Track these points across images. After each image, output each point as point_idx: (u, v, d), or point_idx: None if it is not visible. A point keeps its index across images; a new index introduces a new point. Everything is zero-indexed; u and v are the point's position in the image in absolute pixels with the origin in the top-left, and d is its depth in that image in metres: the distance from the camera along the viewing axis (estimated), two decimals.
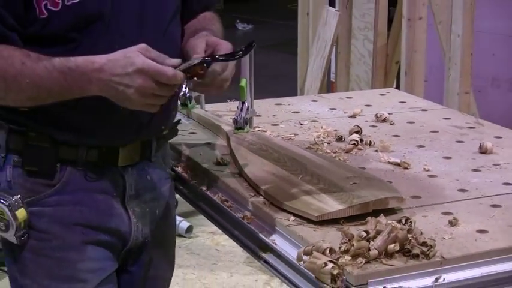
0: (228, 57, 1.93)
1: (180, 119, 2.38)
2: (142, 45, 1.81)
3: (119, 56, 1.82)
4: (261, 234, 1.86)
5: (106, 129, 2.01)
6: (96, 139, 2.03)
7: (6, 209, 1.99)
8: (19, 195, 2.01)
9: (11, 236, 2.02)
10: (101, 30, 1.94)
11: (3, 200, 2.00)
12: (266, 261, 1.84)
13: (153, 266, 2.28)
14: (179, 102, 2.36)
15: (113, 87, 1.81)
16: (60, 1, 1.90)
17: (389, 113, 2.60)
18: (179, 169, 2.27)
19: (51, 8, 1.90)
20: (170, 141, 2.31)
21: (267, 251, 1.84)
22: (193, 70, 1.87)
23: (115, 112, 1.96)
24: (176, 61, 1.82)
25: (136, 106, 1.83)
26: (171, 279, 2.40)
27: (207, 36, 2.03)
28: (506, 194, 2.00)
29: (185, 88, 2.37)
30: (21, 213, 2.00)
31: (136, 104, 1.82)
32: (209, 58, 1.90)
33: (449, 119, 2.62)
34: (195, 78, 1.87)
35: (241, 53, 1.94)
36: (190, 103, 2.52)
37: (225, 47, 1.96)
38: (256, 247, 1.88)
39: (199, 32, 2.12)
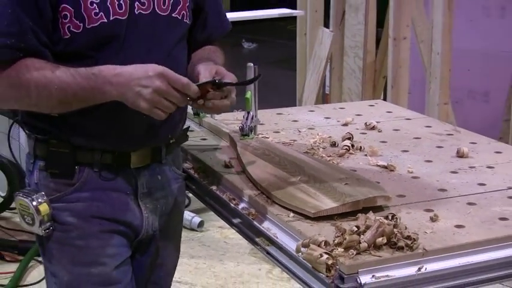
0: (238, 83, 1.97)
1: (189, 126, 2.38)
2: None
3: (140, 65, 1.86)
4: (264, 229, 1.87)
5: (117, 137, 2.03)
6: (108, 145, 2.05)
7: (30, 204, 2.02)
8: (42, 192, 2.04)
9: (37, 229, 2.05)
10: (115, 49, 1.97)
11: (28, 196, 2.03)
12: (268, 253, 1.84)
13: (160, 255, 2.29)
14: (192, 112, 2.36)
15: (130, 88, 1.83)
16: (81, 24, 1.92)
17: (377, 122, 2.60)
18: (192, 171, 2.28)
19: (74, 30, 1.93)
20: (185, 146, 2.32)
21: (270, 243, 1.84)
22: (203, 88, 1.88)
23: (125, 122, 2.01)
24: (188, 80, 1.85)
25: (148, 108, 1.83)
26: (176, 266, 2.41)
27: (217, 66, 2.04)
28: (481, 193, 2.00)
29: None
30: (43, 207, 2.02)
31: (148, 105, 1.82)
32: (220, 80, 1.92)
33: (430, 127, 2.62)
34: (199, 101, 1.89)
35: (248, 81, 1.97)
36: (201, 113, 2.53)
37: (232, 77, 1.97)
38: (259, 240, 1.89)
39: (204, 60, 2.14)
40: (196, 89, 1.86)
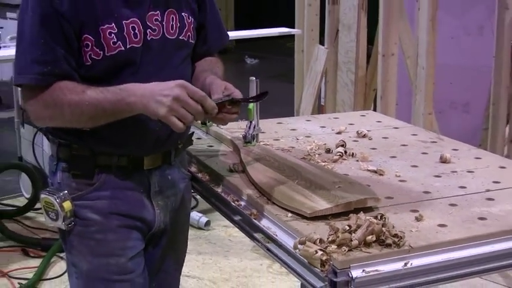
0: (250, 100, 2.04)
1: (194, 132, 2.40)
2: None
3: (162, 82, 1.89)
4: (264, 228, 1.87)
5: (132, 144, 2.06)
6: (124, 150, 2.08)
7: (54, 201, 2.05)
8: (66, 191, 2.07)
9: (60, 223, 2.07)
10: (131, 72, 2.01)
11: (53, 194, 2.06)
12: (269, 249, 1.84)
13: (170, 247, 2.30)
14: (200, 122, 2.37)
15: (152, 98, 1.85)
16: (101, 52, 1.97)
17: (368, 130, 2.60)
18: (199, 175, 2.28)
19: (94, 57, 1.97)
20: (193, 152, 2.34)
21: (269, 241, 1.84)
22: (220, 105, 1.93)
23: (140, 132, 2.05)
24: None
25: (166, 114, 1.84)
26: (184, 257, 2.42)
27: (225, 83, 2.07)
28: (462, 195, 2.01)
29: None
30: (66, 204, 2.05)
31: (167, 112, 1.83)
32: (234, 98, 1.98)
33: (416, 135, 2.63)
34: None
35: (261, 97, 2.02)
36: (208, 122, 2.53)
37: (238, 93, 2.01)
38: (260, 238, 1.88)
39: (207, 71, 2.20)
40: (212, 103, 1.89)
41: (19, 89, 3.61)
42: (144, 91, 1.88)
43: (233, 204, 2.04)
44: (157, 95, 1.85)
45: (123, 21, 2.00)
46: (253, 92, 2.19)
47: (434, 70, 4.15)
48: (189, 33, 2.15)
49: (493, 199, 1.98)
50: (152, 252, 2.26)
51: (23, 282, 3.97)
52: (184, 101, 1.83)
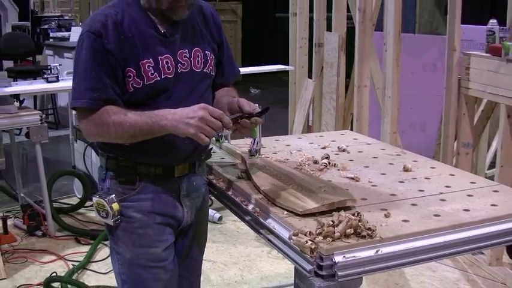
0: (255, 115, 2.02)
1: (213, 147, 2.41)
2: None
3: (187, 107, 1.90)
4: (265, 222, 1.86)
5: (166, 156, 2.05)
6: (160, 161, 2.07)
7: (105, 203, 2.05)
8: (114, 195, 2.06)
9: (109, 220, 2.07)
10: (165, 97, 2.02)
11: (104, 197, 2.06)
12: (269, 239, 1.83)
13: (194, 238, 2.30)
14: (214, 139, 2.37)
15: (182, 121, 1.86)
16: (141, 81, 1.98)
17: (346, 146, 2.60)
18: (214, 181, 2.28)
19: (136, 86, 1.98)
20: (209, 163, 2.33)
21: (269, 233, 1.83)
22: (235, 120, 1.98)
23: (172, 147, 2.04)
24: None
25: (195, 132, 1.85)
26: (205, 246, 2.41)
27: (240, 98, 2.10)
28: (420, 197, 1.99)
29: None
30: (115, 205, 2.06)
31: (195, 130, 1.85)
32: (244, 114, 2.02)
33: (384, 149, 2.62)
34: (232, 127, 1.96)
35: (264, 112, 2.05)
36: (221, 139, 2.53)
37: (252, 105, 2.05)
38: (262, 230, 1.88)
39: (225, 96, 2.21)
40: (228, 119, 1.90)
41: (74, 112, 3.60)
42: (174, 116, 1.89)
43: (241, 204, 2.04)
44: (185, 118, 1.86)
45: (159, 57, 2.00)
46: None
47: (398, 98, 4.16)
48: (210, 67, 2.15)
49: (445, 200, 1.97)
50: (181, 243, 2.25)
51: (76, 263, 3.97)
52: (208, 120, 1.85)
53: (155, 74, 1.99)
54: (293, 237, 1.67)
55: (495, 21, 3.90)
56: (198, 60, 2.10)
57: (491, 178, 3.84)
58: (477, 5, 5.94)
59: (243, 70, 5.44)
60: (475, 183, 2.16)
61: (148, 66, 1.98)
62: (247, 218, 2.00)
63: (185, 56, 2.06)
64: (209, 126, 1.86)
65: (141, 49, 1.98)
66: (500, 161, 3.86)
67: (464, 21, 4.02)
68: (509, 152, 3.84)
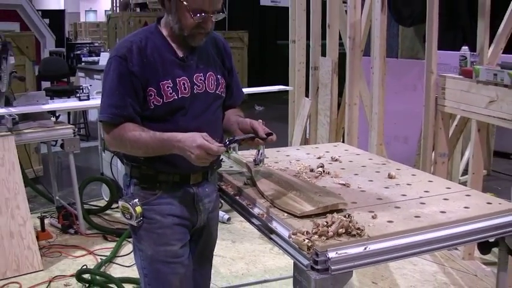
0: (261, 137, 2.02)
1: (223, 158, 2.40)
2: (204, 134, 1.87)
3: (191, 135, 1.87)
4: (268, 223, 1.86)
5: (183, 166, 2.03)
6: (178, 170, 2.06)
7: (130, 207, 2.05)
8: (137, 199, 2.06)
9: (133, 222, 2.07)
10: (182, 113, 2.02)
11: (129, 201, 2.06)
12: (271, 238, 1.84)
13: (206, 237, 2.29)
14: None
15: (185, 151, 1.86)
16: (161, 100, 1.99)
17: (339, 156, 2.60)
18: (224, 187, 2.28)
19: (156, 103, 1.98)
20: (220, 171, 2.33)
21: (272, 232, 1.84)
22: (244, 140, 2.01)
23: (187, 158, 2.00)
24: (219, 145, 1.86)
25: (195, 162, 1.86)
26: (215, 244, 2.39)
27: (251, 120, 2.08)
28: (403, 201, 2.00)
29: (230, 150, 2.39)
30: (138, 209, 2.05)
31: (195, 162, 1.86)
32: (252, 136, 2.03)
33: (372, 159, 2.62)
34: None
35: (270, 133, 2.04)
36: (230, 151, 2.53)
37: (267, 130, 2.03)
38: (265, 230, 1.88)
39: (234, 115, 2.20)
40: (223, 150, 1.87)
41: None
42: (179, 144, 1.88)
43: (247, 207, 2.04)
44: (187, 150, 1.86)
45: (177, 79, 2.01)
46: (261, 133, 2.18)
47: (383, 114, 4.15)
48: (222, 89, 2.16)
49: (424, 203, 1.97)
50: (195, 241, 2.24)
51: (103, 258, 3.96)
52: (203, 156, 1.84)
53: (173, 93, 1.99)
54: (292, 236, 1.67)
55: (466, 47, 3.91)
56: (212, 83, 2.10)
57: (464, 184, 3.83)
58: (451, 34, 5.93)
59: (249, 90, 5.45)
60: (450, 188, 2.16)
61: (168, 87, 1.99)
62: (253, 219, 2.00)
63: (200, 79, 2.07)
64: (205, 159, 1.86)
65: (161, 72, 1.99)
66: (472, 169, 3.86)
67: (440, 47, 4.02)
68: (480, 161, 3.84)
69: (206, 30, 2.01)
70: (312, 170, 2.34)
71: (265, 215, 1.92)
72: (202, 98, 2.07)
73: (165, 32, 2.05)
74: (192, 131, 1.90)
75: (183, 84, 2.02)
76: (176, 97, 2.00)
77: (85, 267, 3.74)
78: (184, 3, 1.93)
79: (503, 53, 4.02)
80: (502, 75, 3.37)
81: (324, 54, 4.81)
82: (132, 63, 1.94)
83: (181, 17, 1.96)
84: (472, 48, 3.95)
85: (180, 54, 2.04)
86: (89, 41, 14.52)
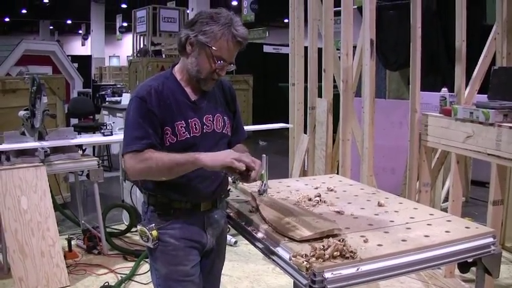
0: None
1: (230, 188, 2.40)
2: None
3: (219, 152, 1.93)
4: (271, 246, 1.86)
5: (194, 195, 2.05)
6: (189, 198, 2.07)
7: (147, 231, 2.05)
8: (153, 224, 2.06)
9: (150, 244, 2.07)
10: (193, 150, 2.01)
11: (146, 226, 2.06)
12: (273, 260, 1.83)
13: (215, 259, 2.28)
14: (231, 180, 2.37)
15: (218, 155, 1.88)
16: (175, 138, 2.00)
17: (334, 186, 2.60)
18: (231, 214, 2.28)
19: (171, 141, 2.00)
20: (228, 201, 2.33)
21: (274, 254, 1.83)
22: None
23: (199, 189, 2.05)
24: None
25: (231, 161, 1.85)
26: (223, 264, 2.38)
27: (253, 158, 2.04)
28: (391, 226, 1.99)
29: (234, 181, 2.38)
30: (154, 232, 2.05)
31: (227, 158, 1.86)
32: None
33: (363, 189, 2.62)
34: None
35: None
36: (236, 182, 2.53)
37: (258, 163, 1.97)
38: (268, 252, 1.88)
39: (239, 150, 2.15)
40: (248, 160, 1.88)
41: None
42: (201, 156, 1.88)
43: (252, 232, 2.03)
44: (220, 155, 1.89)
45: (189, 120, 2.03)
46: (264, 166, 2.17)
47: (373, 149, 4.16)
48: (228, 129, 2.17)
49: (410, 228, 1.97)
50: (205, 262, 2.22)
51: (123, 276, 3.94)
52: (237, 157, 1.86)
53: (186, 132, 2.02)
54: (292, 258, 1.67)
55: (446, 89, 3.94)
56: (219, 123, 2.12)
57: (445, 210, 3.81)
58: (432, 77, 5.98)
59: (254, 127, 5.48)
60: (433, 214, 2.15)
61: (181, 127, 2.01)
62: (257, 242, 1.99)
63: (209, 120, 2.09)
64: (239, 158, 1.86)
65: (176, 113, 2.01)
66: (452, 196, 3.85)
67: (423, 89, 4.06)
68: (459, 189, 3.84)
69: (219, 77, 2.05)
70: (310, 199, 2.34)
71: (268, 239, 1.91)
72: (210, 136, 2.08)
73: (178, 77, 2.08)
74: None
75: (195, 124, 2.04)
76: (188, 136, 2.02)
77: (107, 283, 3.72)
78: (213, 48, 1.96)
79: (478, 93, 4.07)
80: (477, 114, 3.40)
81: (320, 95, 4.84)
82: (151, 104, 1.97)
83: (202, 61, 2.00)
84: (451, 90, 3.99)
85: (192, 97, 2.07)
86: (112, 83, 14.65)
